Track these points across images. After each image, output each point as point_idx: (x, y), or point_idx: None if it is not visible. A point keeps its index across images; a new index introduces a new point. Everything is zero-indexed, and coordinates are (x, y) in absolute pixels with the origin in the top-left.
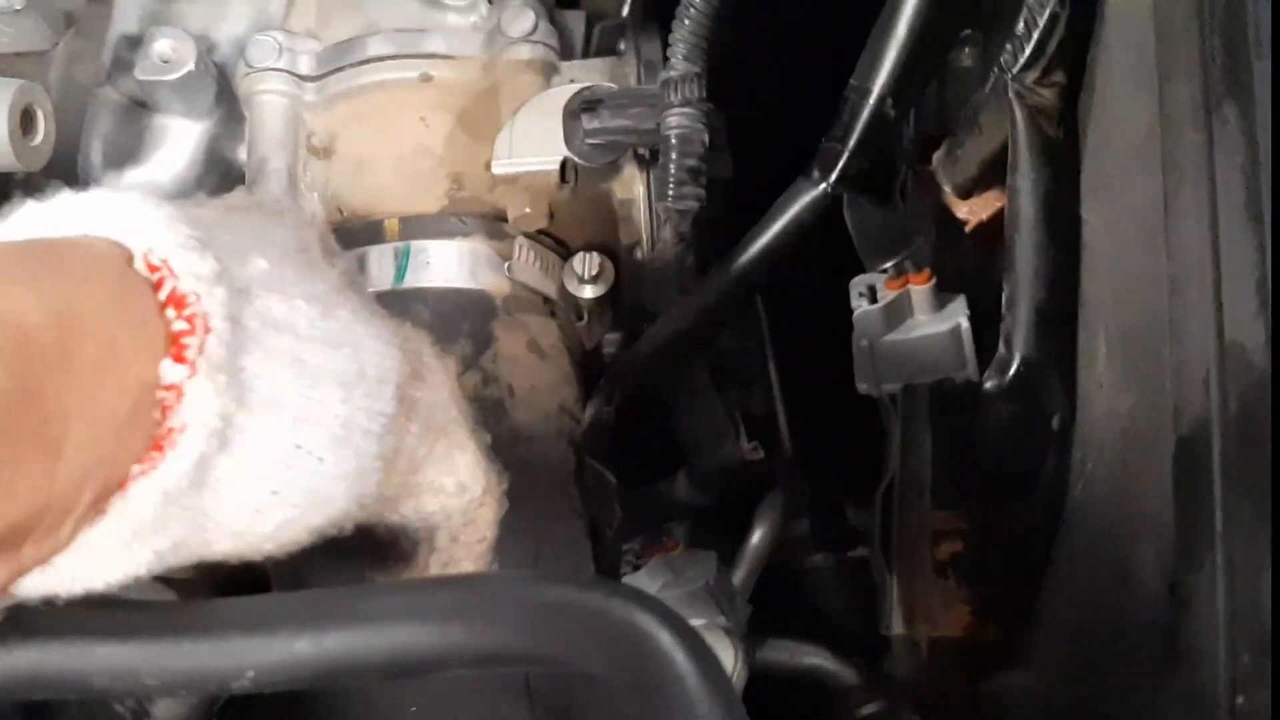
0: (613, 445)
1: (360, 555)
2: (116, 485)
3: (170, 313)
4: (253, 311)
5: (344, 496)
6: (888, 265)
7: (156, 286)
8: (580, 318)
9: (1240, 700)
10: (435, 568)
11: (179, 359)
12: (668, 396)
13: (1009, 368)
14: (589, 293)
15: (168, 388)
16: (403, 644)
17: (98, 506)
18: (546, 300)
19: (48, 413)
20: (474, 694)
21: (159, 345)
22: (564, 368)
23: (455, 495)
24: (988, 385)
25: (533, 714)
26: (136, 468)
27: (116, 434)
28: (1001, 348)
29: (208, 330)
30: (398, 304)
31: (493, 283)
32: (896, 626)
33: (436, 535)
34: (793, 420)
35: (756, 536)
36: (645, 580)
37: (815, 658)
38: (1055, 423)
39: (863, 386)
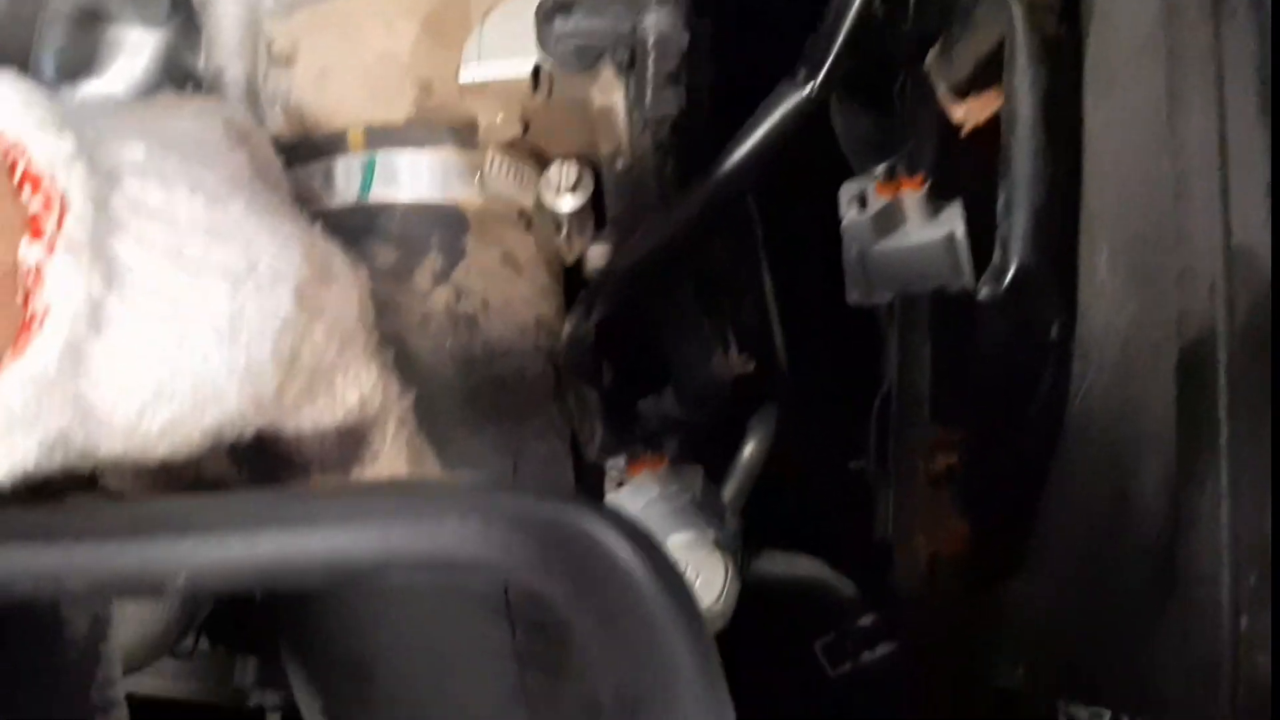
0: (594, 361)
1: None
2: None
3: (26, 192)
4: (122, 196)
5: (236, 396)
6: (878, 169)
7: (10, 168)
8: (559, 230)
9: (1244, 622)
10: None
11: (36, 234)
12: (651, 312)
13: (1005, 275)
14: (567, 204)
15: (28, 270)
16: (340, 547)
17: None
18: (522, 213)
19: None
20: (453, 612)
21: (16, 228)
22: (541, 282)
23: (356, 409)
24: (983, 293)
25: (512, 632)
26: (10, 354)
27: None
28: (997, 254)
29: (64, 209)
30: (363, 218)
31: (464, 195)
32: (894, 538)
33: (331, 453)
34: (787, 330)
35: (748, 450)
36: (629, 496)
37: (811, 570)
38: (1054, 332)
39: (853, 297)
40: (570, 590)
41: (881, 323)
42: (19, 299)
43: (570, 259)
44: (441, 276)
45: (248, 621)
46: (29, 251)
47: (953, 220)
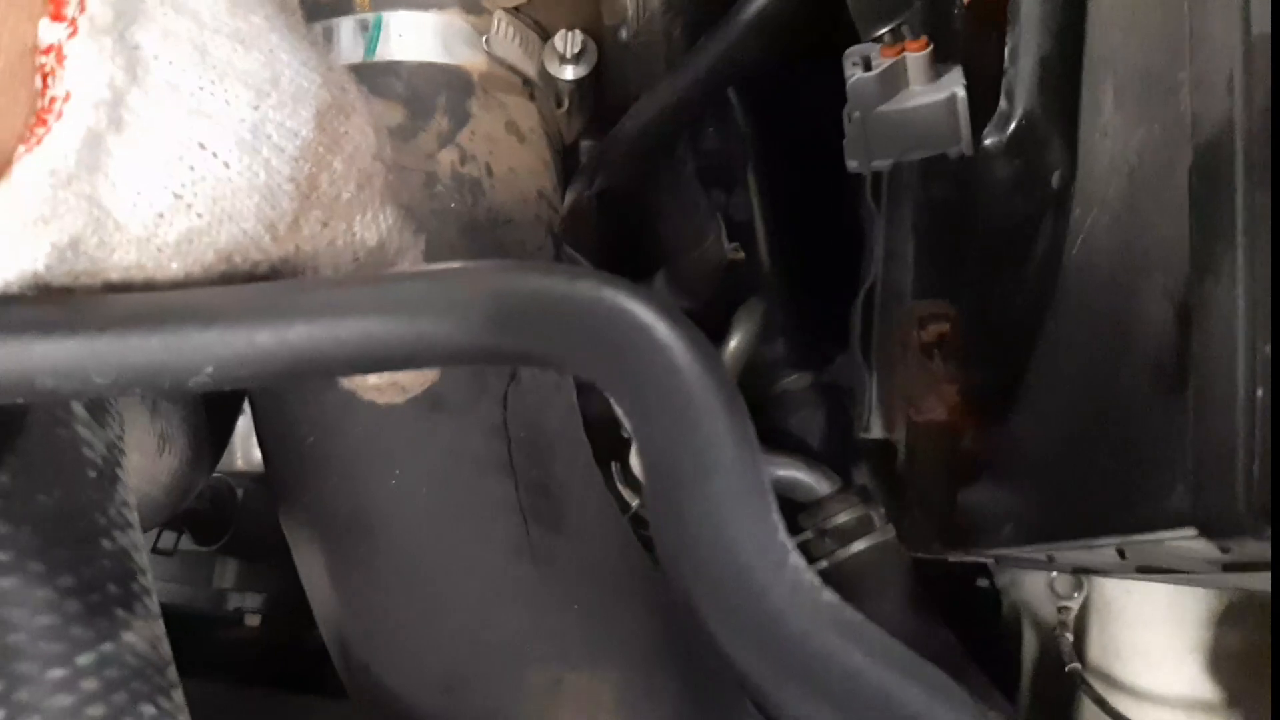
0: (592, 234)
1: None
2: (3, 167)
3: None
4: None
5: (254, 215)
6: (883, 31)
7: None
8: (560, 104)
9: (1260, 393)
10: None
11: (57, 17)
12: (650, 187)
13: (1010, 122)
14: (570, 73)
15: (47, 50)
16: (372, 334)
17: None
18: (526, 82)
19: None
20: (455, 468)
21: (36, 4)
22: (543, 154)
23: (375, 251)
24: (987, 142)
25: (515, 487)
26: (21, 147)
27: None
28: (1003, 102)
29: None
30: (369, 77)
31: (469, 58)
32: (875, 430)
33: None
34: (772, 231)
35: (734, 342)
36: None
37: (789, 469)
38: (1055, 180)
39: (853, 164)
40: (613, 369)
41: (866, 217)
42: (37, 84)
43: (569, 135)
44: (447, 138)
45: (229, 522)
46: (49, 31)
47: (954, 83)
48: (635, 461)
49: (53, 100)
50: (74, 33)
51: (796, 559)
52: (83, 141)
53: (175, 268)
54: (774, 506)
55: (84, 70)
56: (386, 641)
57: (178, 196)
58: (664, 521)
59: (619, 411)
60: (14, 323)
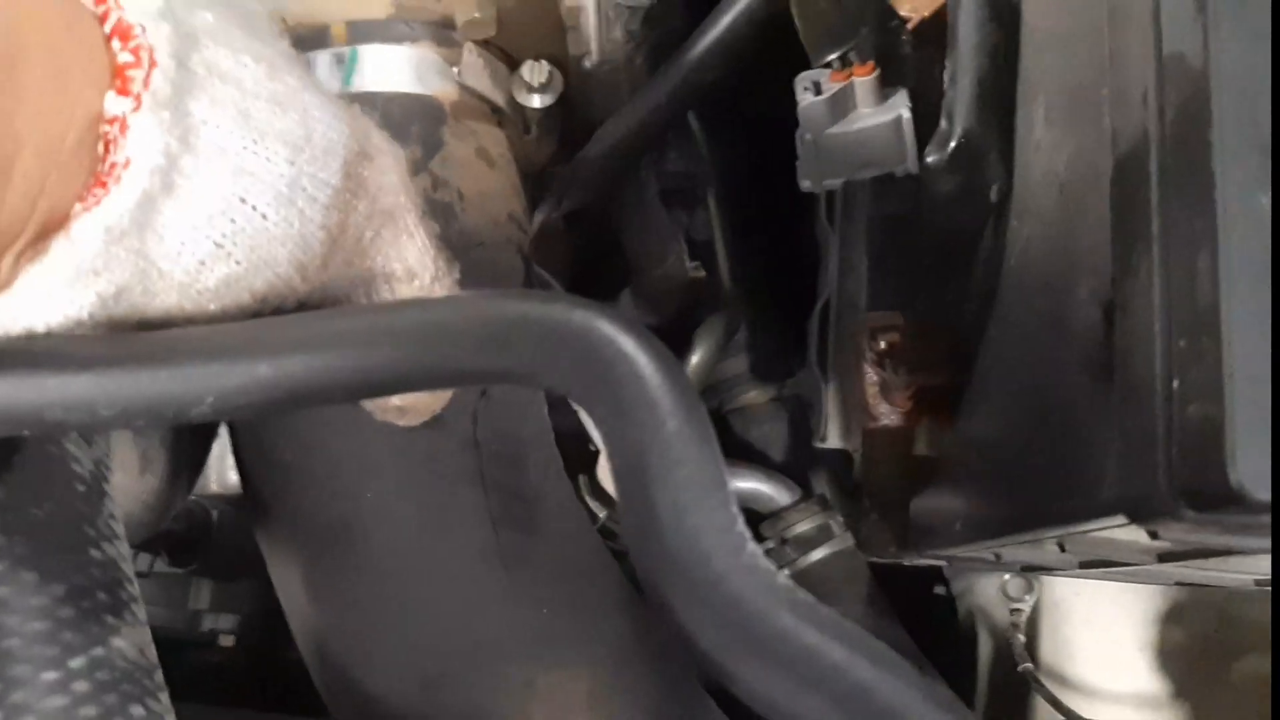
0: (560, 255)
1: None
2: (59, 222)
3: (116, 44)
4: (200, 56)
5: (287, 261)
6: (833, 57)
7: (102, 19)
8: (528, 131)
9: (1176, 384)
10: None
11: (123, 92)
12: (616, 207)
13: (950, 140)
14: (537, 101)
15: (111, 121)
16: (365, 365)
17: (38, 245)
18: (495, 110)
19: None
20: (429, 480)
21: (104, 78)
22: (512, 178)
23: (404, 281)
24: (930, 159)
25: (486, 499)
26: (79, 205)
27: (62, 166)
28: (943, 122)
29: (153, 64)
30: None
31: (441, 89)
32: (832, 439)
33: None
34: (731, 250)
35: (695, 357)
36: None
37: (750, 480)
38: (993, 194)
39: (805, 184)
40: (585, 382)
41: (820, 239)
42: (99, 150)
43: (537, 160)
44: (420, 165)
45: (204, 544)
46: (115, 104)
47: (899, 105)
48: (602, 474)
49: (113, 166)
50: (138, 107)
51: (753, 546)
52: (137, 203)
53: (214, 309)
54: (733, 499)
55: (144, 140)
56: (365, 646)
57: (219, 246)
58: (632, 514)
59: (590, 421)
60: (26, 358)
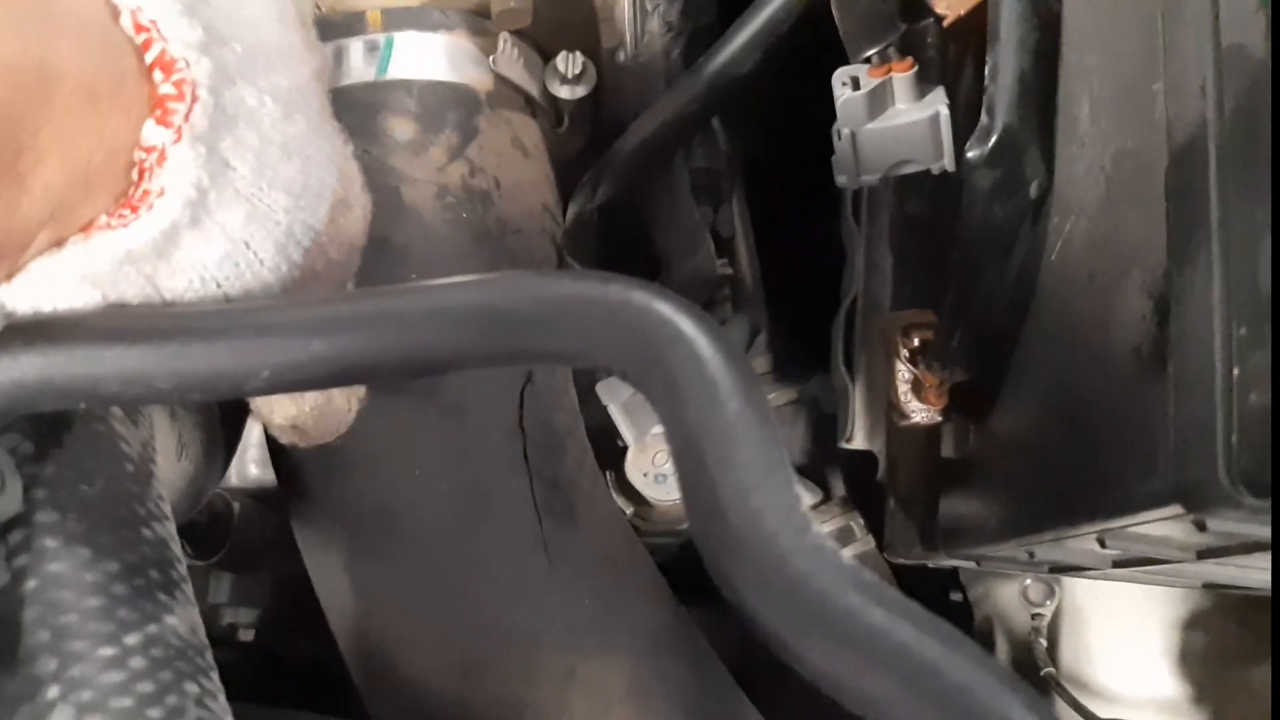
0: (591, 247)
1: None
2: (79, 228)
3: (158, 75)
4: (231, 95)
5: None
6: (871, 53)
7: (143, 48)
8: (560, 122)
9: (1236, 372)
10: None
11: (163, 122)
12: (647, 201)
13: (991, 135)
14: (571, 93)
15: (148, 149)
16: (419, 342)
17: (60, 243)
18: (529, 101)
19: (22, 145)
20: (473, 467)
21: (140, 107)
22: (545, 169)
23: None
24: (970, 154)
25: (531, 485)
26: (104, 218)
27: (86, 184)
28: (984, 117)
29: (194, 99)
30: (382, 94)
31: (476, 77)
32: (857, 440)
33: None
34: (755, 249)
35: None
36: (620, 382)
37: None
38: (1033, 190)
39: (841, 179)
40: (643, 362)
41: (846, 239)
42: (133, 176)
43: (568, 153)
44: (456, 152)
45: (226, 536)
46: (155, 134)
47: (937, 101)
48: (630, 470)
49: (145, 193)
50: (178, 139)
51: (817, 526)
52: (163, 233)
53: None
54: (794, 480)
55: (181, 172)
56: (405, 633)
57: (219, 287)
58: (695, 495)
59: (649, 400)
60: (82, 332)
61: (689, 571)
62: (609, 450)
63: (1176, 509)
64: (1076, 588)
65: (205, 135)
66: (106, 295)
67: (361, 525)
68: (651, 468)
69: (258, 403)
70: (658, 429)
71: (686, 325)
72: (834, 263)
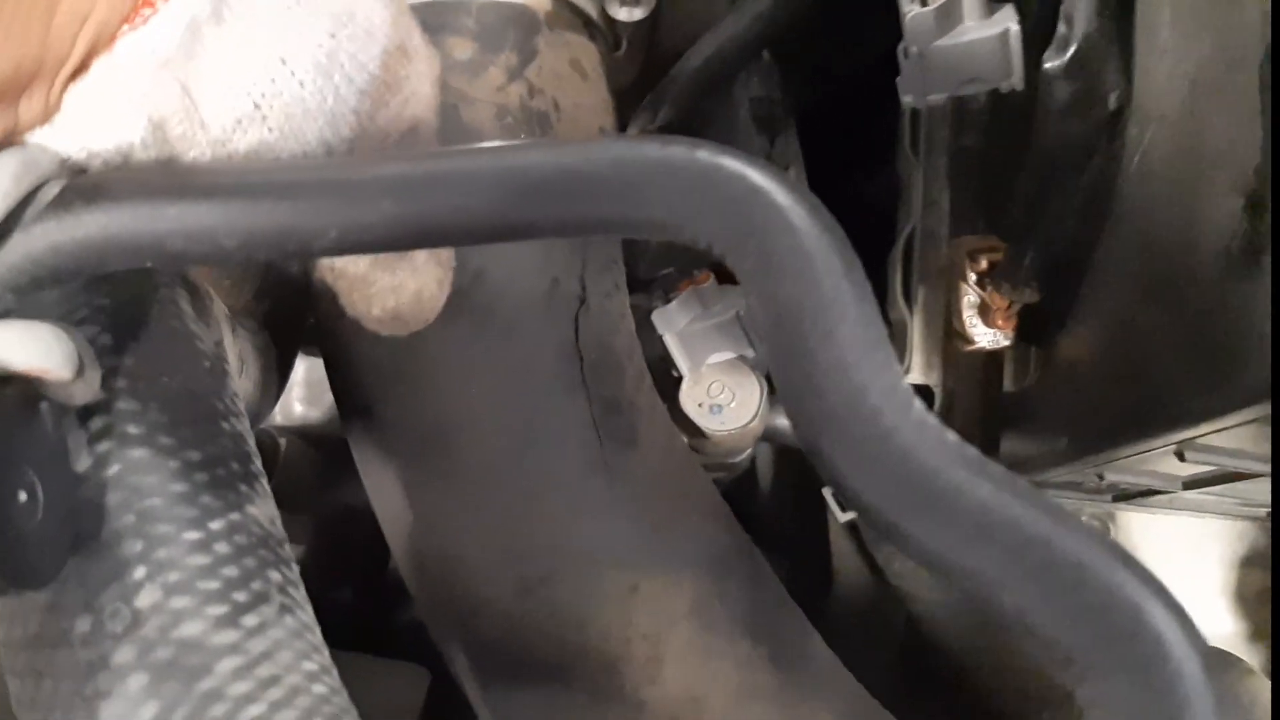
0: None
1: None
2: (106, 45)
3: None
4: None
5: (315, 139)
6: None
7: None
8: (618, 46)
9: None
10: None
11: None
12: (708, 126)
13: (1069, 45)
14: (629, 15)
15: None
16: (494, 205)
17: (86, 65)
18: (588, 23)
19: None
20: (531, 386)
21: None
22: (603, 93)
23: None
24: (1047, 66)
25: (589, 405)
26: (127, 26)
27: None
28: (1062, 26)
29: None
30: (441, 13)
31: None
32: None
33: None
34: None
35: None
36: (676, 312)
37: None
38: (1112, 102)
39: (908, 99)
40: (734, 233)
41: (902, 170)
42: None
43: (625, 78)
44: (515, 73)
45: (271, 473)
46: None
47: (1007, 19)
48: (685, 400)
49: None
50: None
51: (919, 402)
52: (186, 27)
53: None
54: (895, 357)
55: None
56: (464, 551)
57: (256, 106)
58: (790, 372)
59: (738, 273)
60: (145, 188)
61: (739, 507)
62: (663, 381)
63: (1265, 408)
64: (1132, 524)
65: None
66: (150, 115)
67: (419, 444)
68: (706, 398)
69: (355, 297)
70: (713, 359)
71: (781, 195)
72: (880, 208)
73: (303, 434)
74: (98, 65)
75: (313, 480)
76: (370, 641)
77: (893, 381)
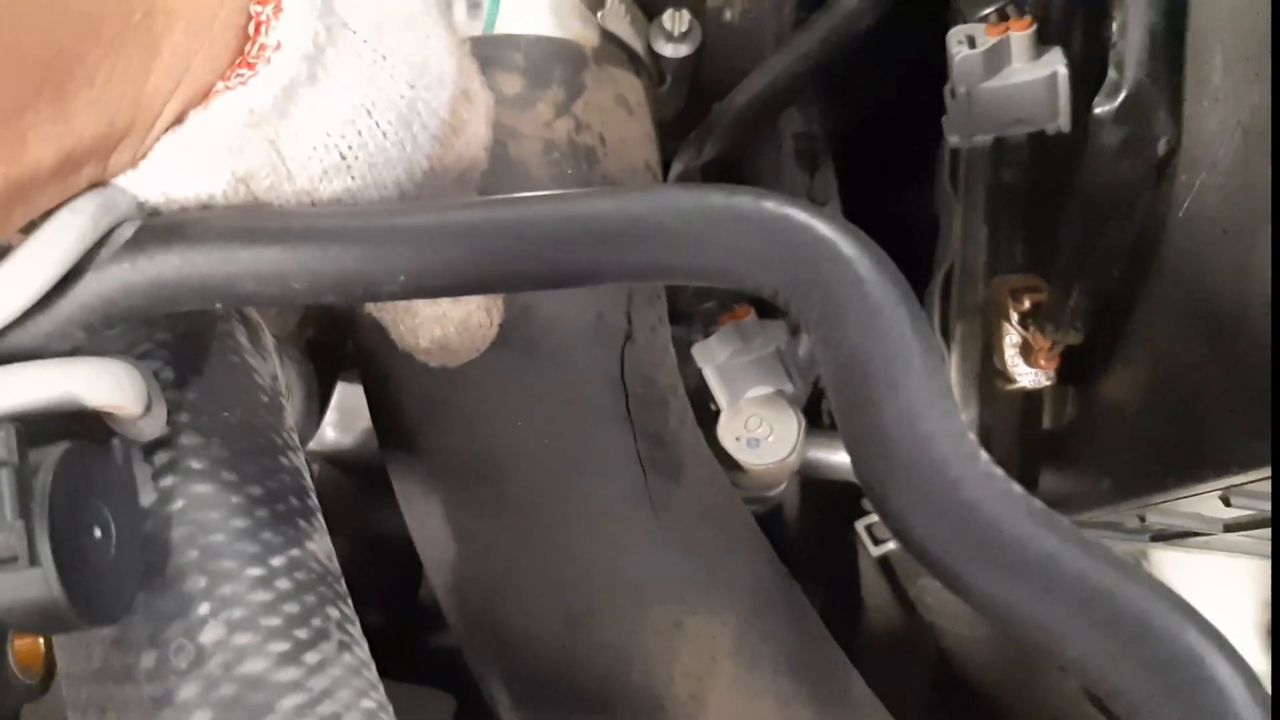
0: None
1: None
2: (199, 100)
3: None
4: None
5: (393, 184)
6: (989, 11)
7: None
8: (663, 81)
9: None
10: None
11: None
12: (751, 161)
13: (1120, 90)
14: (675, 51)
15: (264, 1)
16: (558, 255)
17: (181, 118)
18: (633, 58)
19: (153, 6)
20: (576, 419)
21: None
22: (648, 127)
23: None
24: (1097, 110)
25: (635, 439)
26: (222, 84)
27: (210, 44)
28: (1113, 72)
29: None
30: (489, 49)
31: (582, 33)
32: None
33: None
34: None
35: None
36: (716, 346)
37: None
38: (1161, 147)
39: (954, 139)
40: (799, 283)
41: (941, 206)
42: (249, 31)
43: (668, 112)
44: (563, 108)
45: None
46: None
47: (1055, 62)
48: (722, 433)
49: (263, 47)
50: None
51: (985, 453)
52: (282, 89)
53: None
54: (958, 407)
55: (297, 25)
56: (508, 582)
57: (342, 157)
58: (856, 420)
59: (802, 323)
60: (218, 231)
61: (774, 540)
62: (700, 414)
63: None
64: (1166, 563)
65: None
66: (234, 171)
67: (463, 475)
68: (744, 431)
69: (402, 329)
70: (752, 393)
71: (846, 245)
72: (917, 240)
73: (334, 460)
74: (192, 118)
75: (344, 506)
76: (396, 667)
77: (959, 431)
